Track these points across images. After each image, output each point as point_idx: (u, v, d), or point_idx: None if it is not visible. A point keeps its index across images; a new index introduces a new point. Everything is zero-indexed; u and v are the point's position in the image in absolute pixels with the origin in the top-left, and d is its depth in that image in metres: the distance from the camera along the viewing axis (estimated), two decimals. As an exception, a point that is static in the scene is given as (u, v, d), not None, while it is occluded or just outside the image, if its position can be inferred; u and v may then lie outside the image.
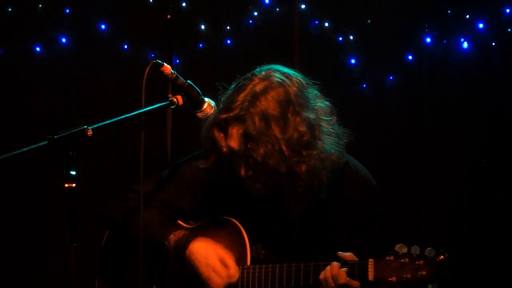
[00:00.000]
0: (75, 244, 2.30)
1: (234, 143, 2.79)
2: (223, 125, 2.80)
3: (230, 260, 2.89)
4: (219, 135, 2.81)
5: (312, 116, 2.80)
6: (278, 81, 2.80)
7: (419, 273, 2.46)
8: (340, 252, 2.70)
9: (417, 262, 2.48)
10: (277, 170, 2.75)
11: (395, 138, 5.09)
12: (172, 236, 2.97)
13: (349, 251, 2.77)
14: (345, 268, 2.62)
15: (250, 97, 2.76)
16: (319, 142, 2.79)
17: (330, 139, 2.83)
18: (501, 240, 4.87)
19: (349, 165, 2.94)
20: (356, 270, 2.63)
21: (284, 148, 2.75)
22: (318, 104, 2.87)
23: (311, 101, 2.84)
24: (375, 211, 2.94)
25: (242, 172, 2.80)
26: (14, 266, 5.05)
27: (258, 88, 2.78)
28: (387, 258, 2.52)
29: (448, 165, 5.03)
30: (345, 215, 2.89)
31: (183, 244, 2.95)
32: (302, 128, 2.77)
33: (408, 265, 2.48)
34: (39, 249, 5.00)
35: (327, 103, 2.90)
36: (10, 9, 5.04)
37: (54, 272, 4.70)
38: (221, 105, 2.85)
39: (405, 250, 2.51)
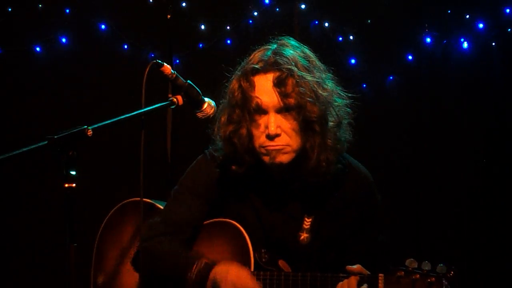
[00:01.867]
0: (75, 244, 2.30)
1: (264, 92, 2.78)
2: (251, 77, 2.80)
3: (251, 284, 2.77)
4: (245, 84, 2.81)
5: (330, 86, 2.86)
6: (298, 45, 2.90)
7: None
8: (349, 266, 2.67)
9: (428, 280, 2.45)
10: (308, 118, 2.75)
11: (395, 138, 5.09)
12: (194, 267, 2.82)
13: (352, 251, 2.79)
14: (366, 285, 2.59)
15: (276, 50, 2.82)
16: (335, 109, 2.84)
17: (342, 110, 2.87)
18: (501, 240, 4.87)
19: (350, 162, 2.96)
20: (365, 283, 2.61)
21: (318, 90, 2.78)
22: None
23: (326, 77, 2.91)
24: (375, 207, 2.95)
25: (272, 127, 2.75)
26: (14, 266, 5.05)
27: (281, 43, 2.86)
28: (398, 273, 2.49)
29: (448, 165, 5.03)
30: (349, 211, 2.89)
31: (205, 272, 2.81)
32: (327, 87, 2.84)
33: (420, 282, 2.46)
34: (39, 249, 4.99)
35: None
36: (10, 9, 5.04)
37: (54, 272, 4.70)
38: (242, 64, 2.87)
39: (415, 265, 2.48)
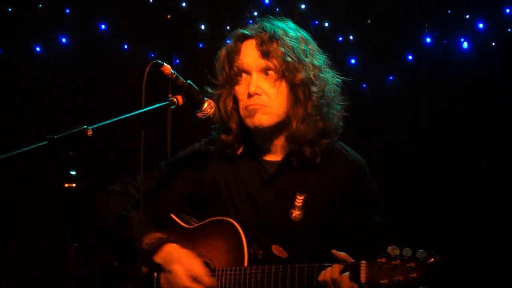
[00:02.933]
0: (75, 244, 2.30)
1: (247, 54, 2.91)
2: (238, 42, 2.93)
3: (200, 270, 2.85)
4: (232, 49, 2.94)
5: (318, 60, 2.98)
6: (295, 26, 3.05)
7: (411, 275, 2.45)
8: (335, 250, 2.68)
9: (408, 265, 2.47)
10: (291, 81, 2.85)
11: (395, 138, 5.09)
12: (146, 238, 2.89)
13: (346, 234, 2.85)
14: (348, 273, 2.60)
15: (263, 18, 2.99)
16: (320, 81, 2.93)
17: (329, 86, 2.97)
18: (501, 240, 4.87)
19: (342, 146, 3.02)
20: (348, 271, 2.62)
21: (302, 55, 2.89)
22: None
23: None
24: (366, 189, 2.97)
25: (252, 87, 2.86)
26: (14, 266, 5.04)
27: (277, 19, 3.01)
28: (379, 260, 2.51)
29: (448, 165, 5.02)
30: (339, 191, 2.92)
31: (153, 248, 2.90)
32: (315, 60, 2.94)
33: (400, 268, 2.47)
34: (39, 249, 4.99)
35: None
36: (10, 9, 5.04)
37: (54, 272, 4.70)
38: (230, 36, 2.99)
39: (397, 252, 2.50)
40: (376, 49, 5.09)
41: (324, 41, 5.03)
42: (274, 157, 2.98)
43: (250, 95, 2.87)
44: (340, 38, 5.11)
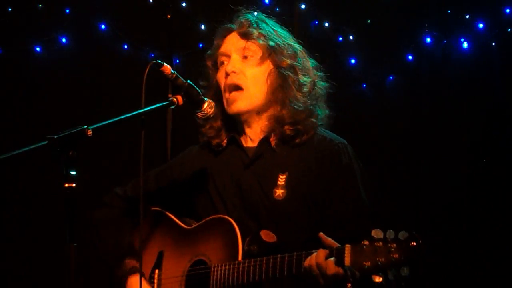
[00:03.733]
0: (75, 244, 2.30)
1: (229, 41, 3.00)
2: (220, 39, 3.04)
3: None
4: (217, 42, 3.05)
5: (311, 65, 3.04)
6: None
7: (392, 256, 2.44)
8: (322, 234, 2.68)
9: (390, 245, 2.46)
10: (279, 63, 2.92)
11: (395, 138, 5.09)
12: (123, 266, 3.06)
13: (331, 214, 2.87)
14: (333, 258, 2.60)
15: (252, 12, 3.06)
16: (305, 77, 2.99)
17: (319, 89, 3.02)
18: (501, 240, 4.87)
19: (324, 131, 3.05)
20: (333, 256, 2.61)
21: (289, 41, 2.97)
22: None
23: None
24: (345, 169, 2.96)
25: (229, 66, 2.93)
26: (14, 266, 5.04)
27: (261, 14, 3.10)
28: (363, 243, 2.51)
29: (448, 165, 5.03)
30: (319, 171, 2.94)
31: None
32: (306, 63, 3.01)
33: (382, 249, 2.46)
34: (39, 249, 4.99)
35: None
36: (10, 9, 5.04)
37: (54, 272, 4.71)
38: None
39: (381, 235, 2.50)
40: (376, 49, 5.09)
41: (324, 41, 5.10)
42: (255, 142, 3.03)
43: (227, 74, 2.94)
44: (340, 38, 5.11)
